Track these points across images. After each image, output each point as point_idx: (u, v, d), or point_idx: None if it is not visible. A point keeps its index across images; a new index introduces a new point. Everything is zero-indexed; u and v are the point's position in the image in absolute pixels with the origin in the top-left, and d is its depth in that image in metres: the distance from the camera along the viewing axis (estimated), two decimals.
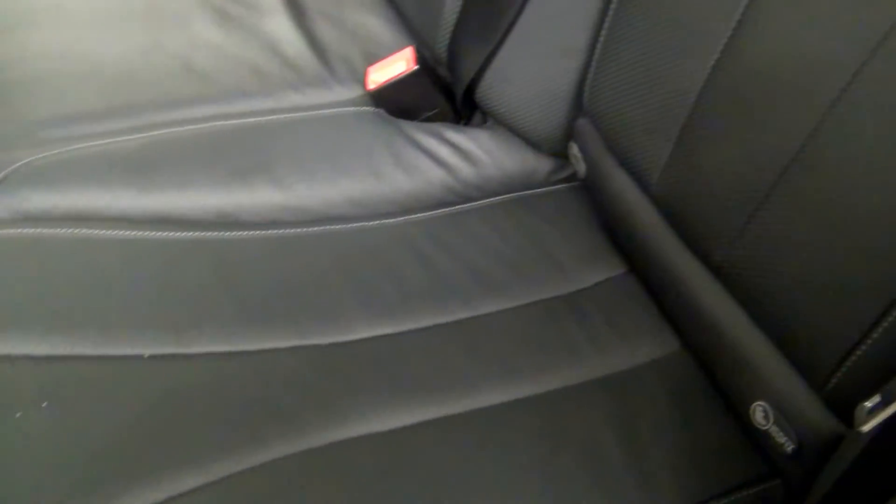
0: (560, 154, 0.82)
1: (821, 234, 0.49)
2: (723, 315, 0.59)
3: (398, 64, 0.80)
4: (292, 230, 0.72)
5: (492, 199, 0.80)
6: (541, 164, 0.83)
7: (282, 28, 0.92)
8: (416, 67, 0.79)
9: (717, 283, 0.60)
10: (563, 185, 0.83)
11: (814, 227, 0.50)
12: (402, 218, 0.75)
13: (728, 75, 0.57)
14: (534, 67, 0.77)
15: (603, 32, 0.71)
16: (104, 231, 0.68)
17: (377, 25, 0.95)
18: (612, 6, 0.69)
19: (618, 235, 0.74)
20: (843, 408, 0.48)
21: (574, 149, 0.78)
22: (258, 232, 0.71)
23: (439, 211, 0.77)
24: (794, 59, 0.52)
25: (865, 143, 0.46)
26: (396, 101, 0.82)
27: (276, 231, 0.71)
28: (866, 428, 0.41)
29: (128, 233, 0.69)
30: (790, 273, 0.52)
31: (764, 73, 0.54)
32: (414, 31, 0.94)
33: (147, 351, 0.59)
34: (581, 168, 0.77)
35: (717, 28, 0.57)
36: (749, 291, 0.56)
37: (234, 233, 0.70)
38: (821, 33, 0.50)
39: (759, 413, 0.55)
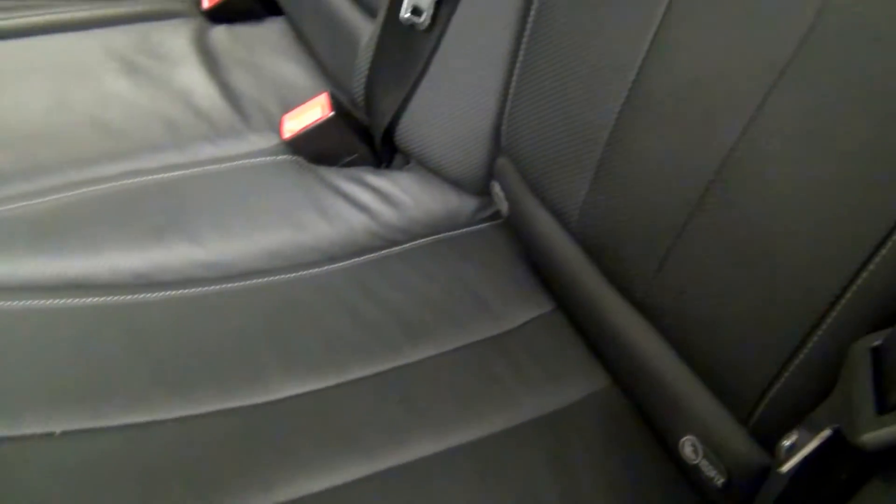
0: (484, 193, 0.82)
1: (735, 268, 0.49)
2: (648, 350, 0.59)
3: (313, 111, 0.79)
4: (211, 287, 0.70)
5: (417, 241, 0.79)
6: (465, 204, 0.82)
7: (194, 78, 0.90)
8: (331, 114, 0.78)
9: (640, 318, 0.60)
10: (489, 224, 0.83)
11: (728, 262, 0.50)
12: (325, 267, 0.74)
13: (638, 110, 0.58)
14: (450, 108, 0.77)
15: (516, 71, 0.71)
16: (11, 302, 0.65)
17: (293, 71, 0.94)
18: (524, 44, 0.69)
19: (544, 272, 0.74)
20: (770, 440, 0.48)
21: (496, 188, 0.78)
22: (175, 292, 0.69)
23: (364, 257, 0.76)
24: (702, 91, 0.52)
25: (776, 175, 0.47)
26: (314, 148, 0.80)
27: (194, 290, 0.69)
28: (785, 468, 0.41)
29: (37, 302, 0.66)
30: (708, 307, 0.52)
31: (672, 107, 0.54)
32: (330, 76, 0.93)
33: (59, 428, 0.56)
34: (504, 207, 0.77)
35: (625, 64, 0.58)
36: (671, 326, 0.56)
37: (149, 294, 0.68)
38: (726, 63, 0.50)
39: (689, 447, 0.55)
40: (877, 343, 0.37)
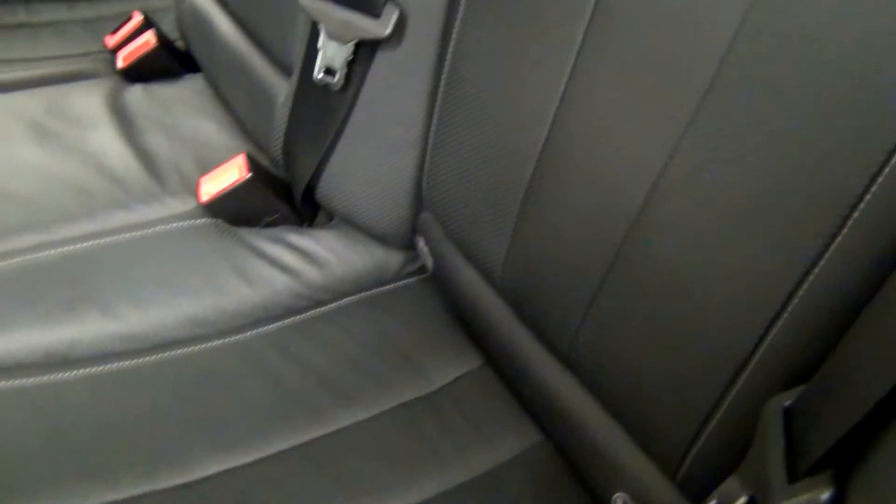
0: (410, 247, 0.81)
1: (650, 326, 0.49)
2: (577, 405, 0.58)
3: (230, 173, 0.78)
4: (128, 362, 0.67)
5: (343, 300, 0.78)
6: (391, 259, 0.81)
7: (108, 142, 0.88)
8: (248, 176, 0.76)
9: (567, 374, 0.59)
10: (417, 278, 0.82)
11: (643, 320, 0.50)
12: (249, 333, 0.72)
13: (551, 166, 0.58)
14: (371, 164, 0.76)
15: (433, 126, 0.71)
16: None
17: (211, 130, 0.93)
18: (439, 100, 0.69)
19: (472, 327, 0.73)
20: (699, 496, 0.47)
21: (421, 243, 0.77)
22: (91, 369, 0.66)
23: (288, 321, 0.74)
24: (611, 148, 0.52)
25: (684, 234, 0.47)
26: (233, 210, 0.79)
27: (110, 365, 0.66)
28: None
29: None
30: (631, 363, 0.52)
31: (583, 163, 0.55)
32: (249, 133, 0.92)
33: None
34: (429, 262, 0.76)
35: (537, 120, 0.58)
36: (597, 381, 0.56)
37: (63, 374, 0.65)
38: (628, 132, 0.51)
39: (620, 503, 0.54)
40: (787, 404, 0.37)
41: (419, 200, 0.77)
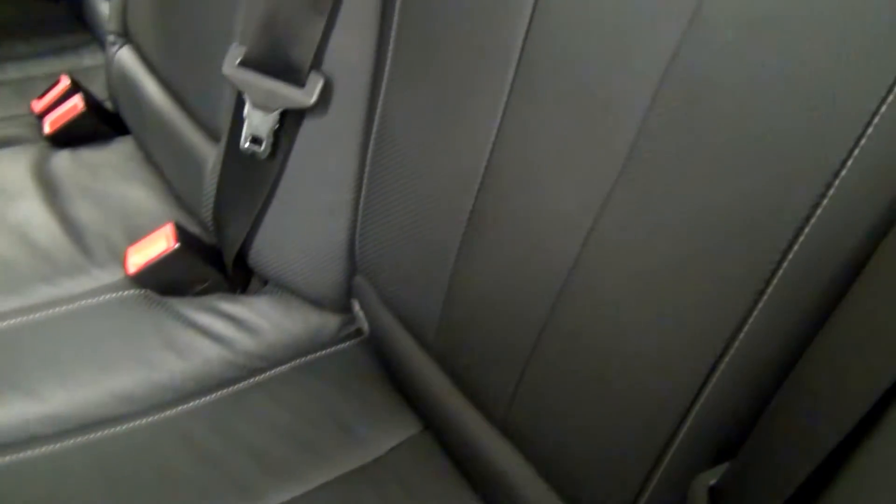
0: (346, 310, 0.80)
1: (580, 397, 0.49)
2: (514, 473, 0.58)
3: (158, 243, 0.76)
4: (55, 445, 0.65)
5: (279, 368, 0.76)
6: (327, 322, 0.80)
7: (32, 212, 0.85)
8: (176, 246, 0.75)
9: (504, 441, 0.59)
10: (354, 341, 0.81)
11: (573, 391, 0.50)
12: (180, 408, 0.70)
13: (481, 231, 0.58)
14: (302, 229, 0.76)
15: (363, 190, 0.71)
16: None
17: (140, 196, 0.91)
18: (368, 164, 0.69)
19: (409, 392, 0.72)
20: None
21: (356, 306, 0.77)
22: (16, 455, 0.63)
23: (220, 393, 0.72)
24: (537, 217, 0.52)
25: (609, 306, 0.47)
26: (162, 280, 0.77)
27: (35, 450, 0.64)
28: None
29: None
30: (563, 433, 0.51)
31: (511, 232, 0.55)
32: (179, 198, 0.91)
33: None
34: (365, 326, 0.76)
35: (465, 183, 0.58)
36: (533, 449, 0.56)
37: None
38: (555, 192, 0.51)
39: None
40: (713, 483, 0.37)
41: (353, 263, 0.76)
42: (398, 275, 0.68)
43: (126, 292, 0.77)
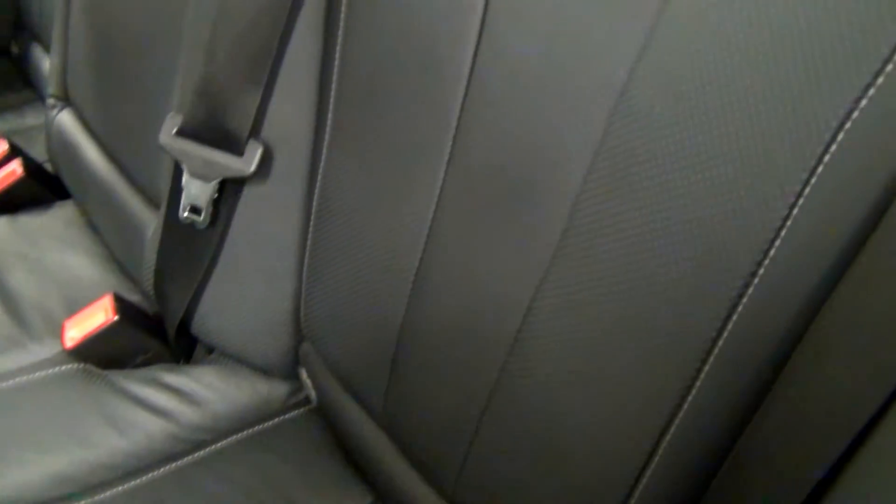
0: (295, 377, 0.79)
1: (530, 467, 0.48)
2: None
3: (96, 316, 0.74)
4: None
5: (224, 440, 0.74)
6: (275, 390, 0.78)
7: None
8: (115, 318, 0.73)
9: None
10: (303, 409, 0.79)
11: (522, 466, 0.49)
12: (121, 487, 0.67)
13: (423, 304, 0.57)
14: (246, 296, 0.74)
15: (306, 257, 0.70)
16: None
17: (80, 264, 0.89)
18: (311, 232, 0.68)
19: (358, 463, 0.71)
20: None
21: (304, 374, 0.75)
22: None
23: (163, 469, 0.70)
24: (478, 291, 0.52)
25: (544, 382, 0.46)
26: (102, 353, 0.75)
27: None
28: None
29: None
30: None
31: (453, 304, 0.54)
32: (121, 265, 0.89)
33: None
34: (312, 394, 0.74)
35: (407, 255, 0.57)
36: None
37: None
38: (489, 274, 0.50)
39: None
40: None
41: (300, 330, 0.75)
42: (344, 343, 0.67)
43: (64, 367, 0.74)
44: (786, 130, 0.35)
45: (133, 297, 0.82)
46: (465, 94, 0.50)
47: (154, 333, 0.77)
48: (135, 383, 0.74)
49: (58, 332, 0.77)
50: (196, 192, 0.67)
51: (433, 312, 0.56)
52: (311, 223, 0.68)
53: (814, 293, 0.37)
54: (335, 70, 0.62)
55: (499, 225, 0.50)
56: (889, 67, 0.32)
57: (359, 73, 0.60)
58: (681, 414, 0.41)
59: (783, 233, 0.36)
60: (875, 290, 0.35)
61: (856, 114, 0.33)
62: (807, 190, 0.35)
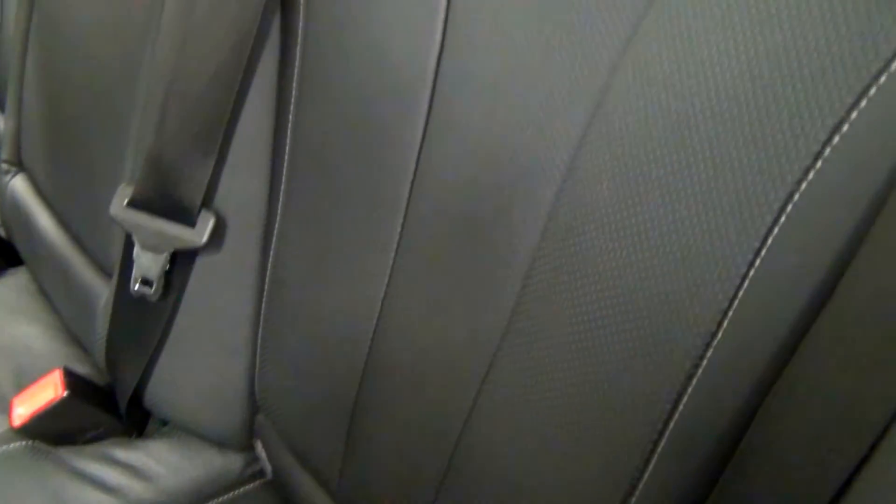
0: (250, 448, 0.77)
1: None
2: None
3: (45, 392, 0.72)
4: None
5: None
6: (230, 463, 0.76)
7: None
8: (64, 395, 0.71)
9: None
10: (259, 482, 0.77)
11: None
12: None
13: (376, 379, 0.56)
14: (200, 368, 0.72)
15: (260, 329, 0.68)
16: None
17: (31, 334, 0.87)
18: (264, 303, 0.67)
19: None
20: None
21: (259, 446, 0.73)
22: None
23: None
24: (430, 368, 0.51)
25: (500, 457, 0.46)
26: (52, 430, 0.72)
27: None
28: None
29: None
30: None
31: (406, 380, 0.53)
32: (73, 336, 0.87)
33: None
34: (268, 467, 0.72)
35: (360, 333, 0.57)
36: None
37: None
38: (441, 350, 0.50)
39: None
40: None
41: (255, 402, 0.73)
42: (299, 415, 0.66)
43: (11, 445, 0.72)
44: (733, 211, 0.35)
45: (85, 368, 0.80)
46: (414, 174, 0.50)
47: (105, 407, 0.75)
48: (85, 460, 0.72)
49: (6, 409, 0.75)
50: (147, 264, 0.66)
51: (388, 384, 0.55)
52: (265, 293, 0.67)
53: (767, 366, 0.37)
54: (288, 138, 0.61)
55: (453, 295, 0.49)
56: (826, 150, 0.32)
57: (311, 140, 0.60)
58: (644, 478, 0.41)
59: (735, 304, 0.36)
60: (833, 358, 0.35)
61: (797, 196, 0.34)
62: (756, 264, 0.35)
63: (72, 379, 0.73)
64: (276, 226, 0.64)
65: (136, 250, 0.66)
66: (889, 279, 0.32)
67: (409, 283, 0.52)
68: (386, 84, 0.52)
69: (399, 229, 0.53)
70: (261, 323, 0.68)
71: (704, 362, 0.38)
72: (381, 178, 0.53)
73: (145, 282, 0.67)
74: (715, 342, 0.37)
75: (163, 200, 0.65)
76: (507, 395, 0.46)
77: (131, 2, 0.68)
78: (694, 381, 0.38)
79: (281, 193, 0.63)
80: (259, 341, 0.68)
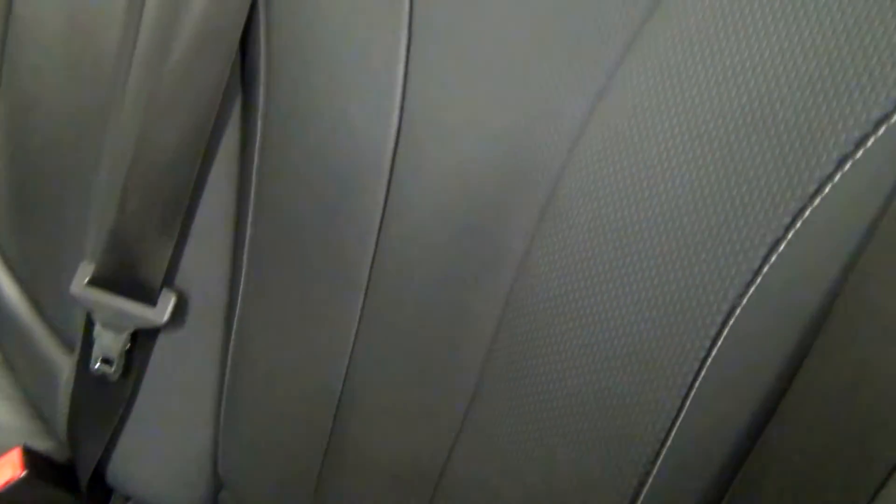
0: None
1: None
2: None
3: (4, 471, 0.71)
4: None
5: None
6: None
7: None
8: (22, 474, 0.70)
9: None
10: None
11: None
12: None
13: (339, 461, 0.56)
14: (162, 444, 0.72)
15: (223, 405, 0.68)
16: None
17: None
18: (227, 381, 0.67)
19: None
20: None
21: None
22: None
23: None
24: (392, 451, 0.51)
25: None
26: None
27: None
28: None
29: None
30: None
31: (368, 465, 0.53)
32: (35, 411, 0.85)
33: None
34: None
35: (323, 412, 0.56)
36: None
37: None
38: (408, 429, 0.50)
39: None
40: None
41: (218, 478, 0.72)
42: (263, 492, 0.65)
43: None
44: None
45: (47, 443, 0.79)
46: (375, 249, 0.50)
47: (67, 486, 0.74)
48: None
49: None
50: (108, 343, 0.65)
51: (351, 461, 0.55)
52: (227, 370, 0.66)
53: (748, 422, 0.38)
54: (250, 214, 0.62)
55: (413, 378, 0.49)
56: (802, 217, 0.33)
57: (274, 215, 0.60)
58: None
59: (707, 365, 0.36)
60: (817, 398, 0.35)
61: (774, 256, 0.34)
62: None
63: (31, 457, 0.72)
64: (239, 302, 0.64)
65: (97, 329, 0.66)
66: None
67: (371, 362, 0.52)
68: (349, 155, 0.52)
69: (360, 309, 0.53)
70: (223, 400, 0.67)
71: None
72: (342, 255, 0.54)
73: (106, 360, 0.66)
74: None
75: (124, 279, 0.64)
76: (469, 485, 0.46)
77: (96, 83, 0.69)
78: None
79: (244, 270, 0.63)
80: (222, 417, 0.68)
